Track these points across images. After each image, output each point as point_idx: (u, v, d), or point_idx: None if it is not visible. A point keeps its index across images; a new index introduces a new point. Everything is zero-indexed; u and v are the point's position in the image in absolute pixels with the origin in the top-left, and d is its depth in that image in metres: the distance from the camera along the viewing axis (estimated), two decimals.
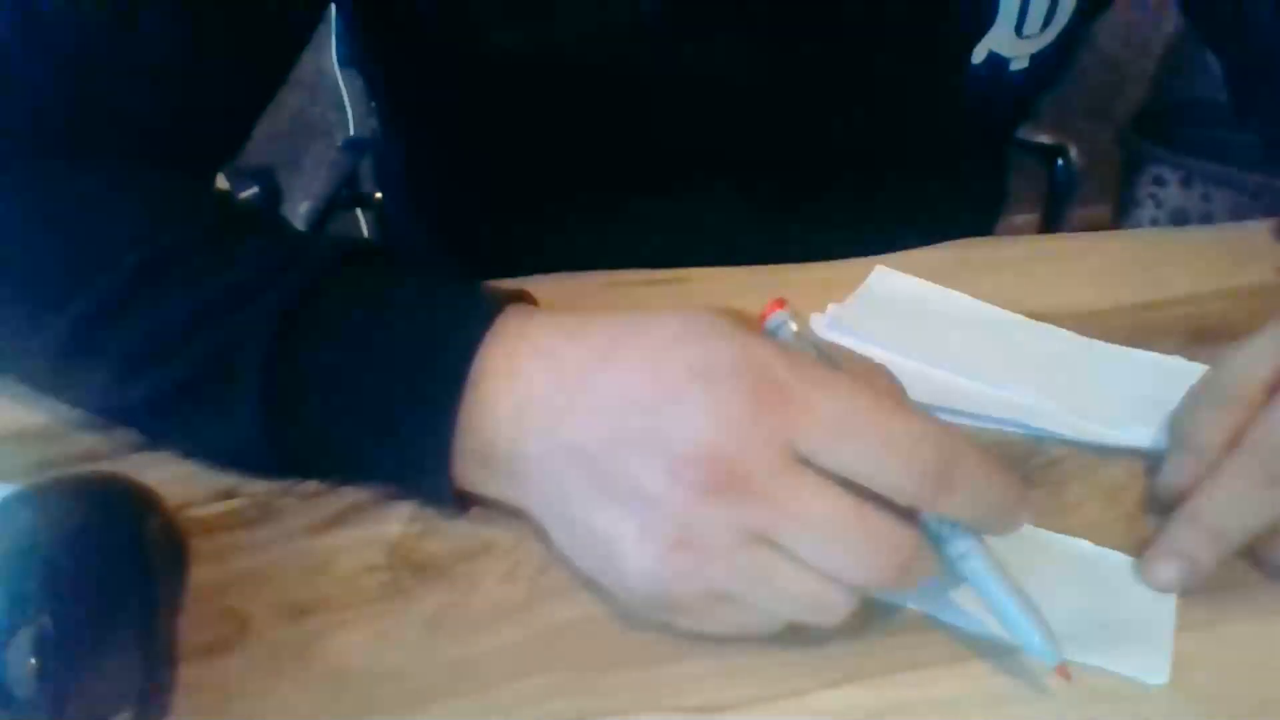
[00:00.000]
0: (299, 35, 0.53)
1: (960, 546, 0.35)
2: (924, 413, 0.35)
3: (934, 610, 0.38)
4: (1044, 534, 0.41)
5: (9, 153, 0.45)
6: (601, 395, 0.36)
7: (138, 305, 0.40)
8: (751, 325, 0.38)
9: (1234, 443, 0.40)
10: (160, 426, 0.43)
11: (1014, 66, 0.58)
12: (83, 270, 0.41)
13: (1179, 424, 0.43)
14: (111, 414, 0.44)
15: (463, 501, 0.40)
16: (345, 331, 0.39)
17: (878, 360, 0.39)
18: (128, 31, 0.46)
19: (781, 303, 0.39)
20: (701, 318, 0.37)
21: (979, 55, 0.56)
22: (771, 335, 0.38)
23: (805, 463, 0.34)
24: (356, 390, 0.39)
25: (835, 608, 0.34)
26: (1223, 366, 0.43)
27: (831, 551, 0.33)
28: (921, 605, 0.38)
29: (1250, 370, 0.41)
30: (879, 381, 0.38)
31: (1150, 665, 0.36)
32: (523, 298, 0.42)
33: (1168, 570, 0.39)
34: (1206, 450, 0.41)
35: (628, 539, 0.35)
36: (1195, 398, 0.43)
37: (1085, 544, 0.40)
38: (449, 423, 0.38)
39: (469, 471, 0.39)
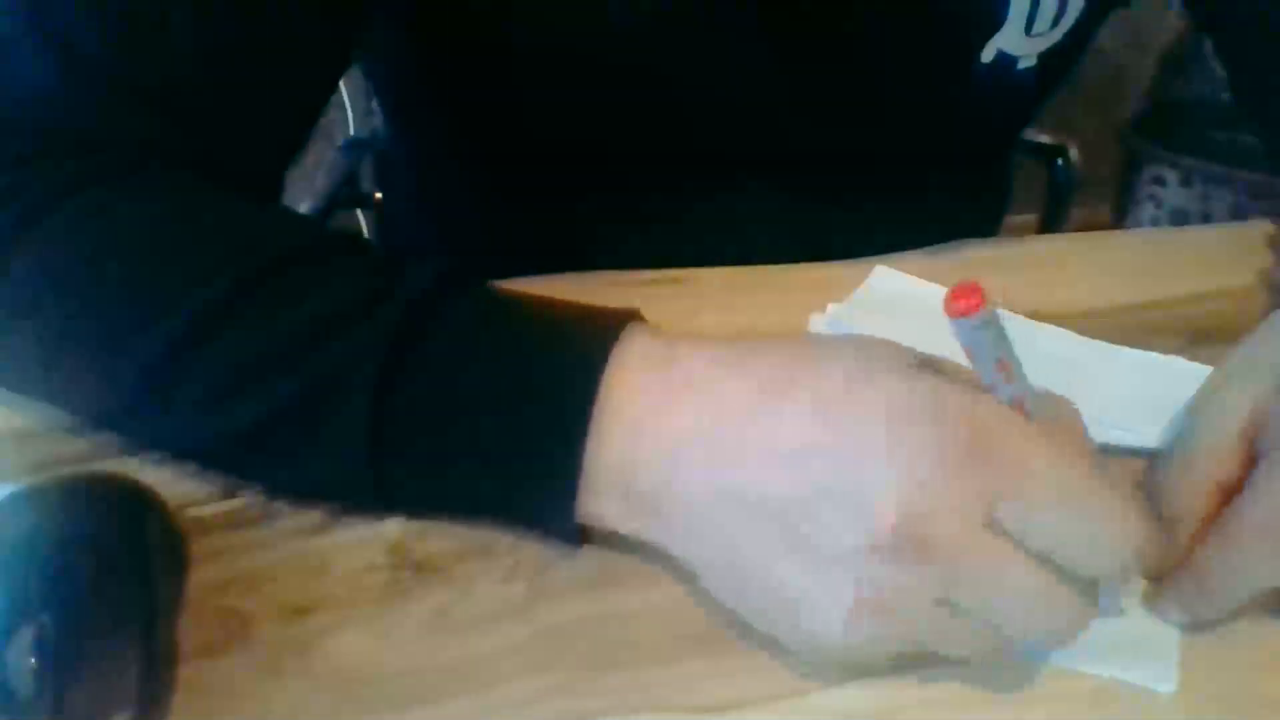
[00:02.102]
0: (352, 34, 0.51)
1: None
2: (1117, 480, 0.33)
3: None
4: None
5: (95, 167, 0.43)
6: (777, 440, 0.34)
7: (233, 327, 0.38)
8: (925, 361, 0.35)
9: (1214, 502, 0.39)
10: (253, 459, 0.40)
11: (1022, 65, 0.57)
12: (171, 292, 0.39)
13: (1155, 490, 0.41)
14: (197, 448, 0.41)
15: (583, 536, 0.38)
16: (459, 356, 0.37)
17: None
18: (206, 32, 0.44)
19: (979, 294, 0.31)
20: (876, 352, 0.35)
21: (988, 54, 0.56)
22: (963, 327, 0.32)
23: (997, 524, 0.32)
24: (472, 421, 0.37)
25: (997, 655, 0.34)
26: (1190, 429, 0.41)
27: (1019, 619, 0.33)
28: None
29: (1217, 433, 0.40)
30: (1065, 419, 0.35)
31: (1158, 674, 0.36)
32: (638, 316, 0.39)
33: (1175, 615, 0.38)
34: (1184, 520, 0.39)
35: (814, 597, 0.33)
36: (1168, 464, 0.41)
37: None
38: (577, 455, 0.36)
39: (599, 506, 0.37)
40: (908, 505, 0.32)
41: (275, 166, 0.51)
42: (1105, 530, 0.32)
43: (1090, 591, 0.33)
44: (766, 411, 0.35)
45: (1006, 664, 0.36)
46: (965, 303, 0.31)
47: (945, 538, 0.32)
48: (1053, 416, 0.35)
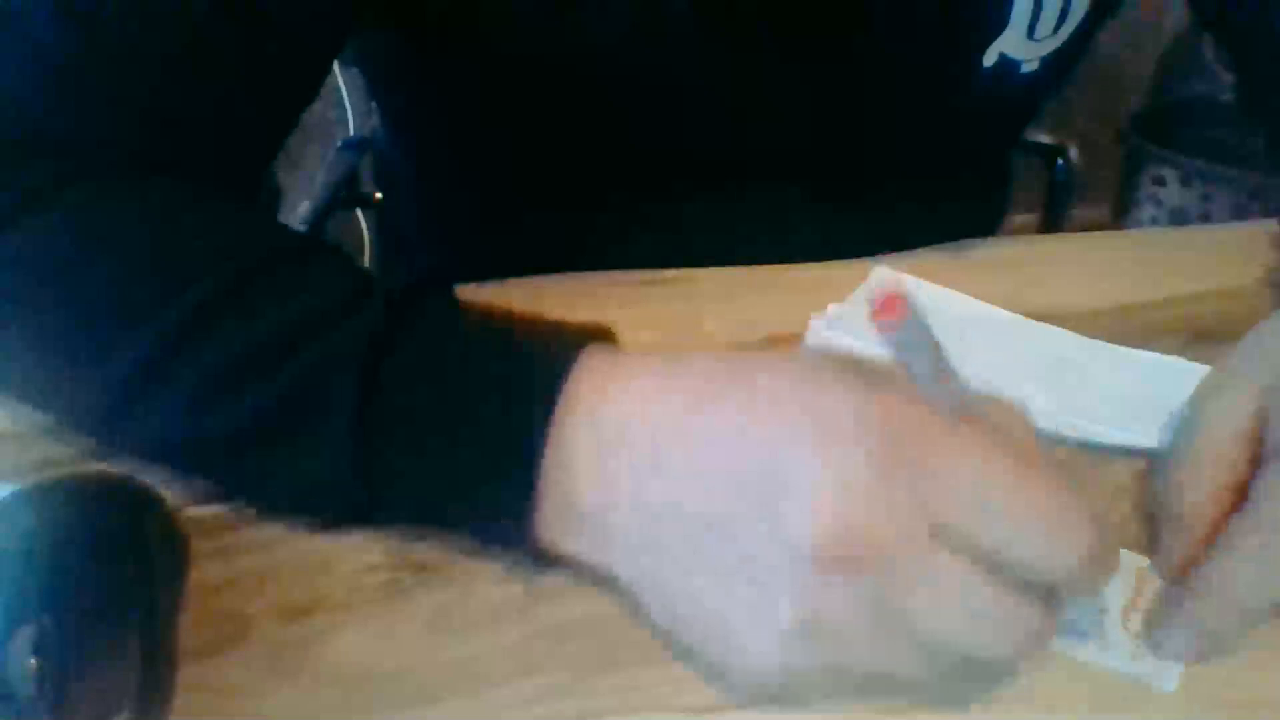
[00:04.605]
0: (334, 44, 0.51)
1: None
2: (1067, 482, 0.32)
3: None
4: None
5: (70, 172, 0.43)
6: (704, 452, 0.33)
7: (214, 332, 0.38)
8: (861, 369, 0.34)
9: (1223, 500, 0.38)
10: (232, 464, 0.40)
11: (1024, 69, 0.58)
12: (152, 296, 0.39)
13: (1161, 489, 0.40)
14: (178, 453, 0.41)
15: (547, 558, 0.37)
16: (428, 366, 0.37)
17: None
18: (176, 37, 0.44)
19: (903, 303, 0.30)
20: (812, 362, 0.34)
21: (990, 58, 0.56)
22: (891, 338, 0.32)
23: (942, 533, 0.31)
24: (436, 433, 0.36)
25: (950, 680, 0.32)
26: (1194, 426, 0.41)
27: (963, 631, 0.31)
28: None
29: (1222, 430, 0.39)
30: (1015, 425, 0.34)
31: (1161, 672, 0.36)
32: (605, 334, 0.39)
33: (1186, 643, 0.36)
34: (1193, 519, 0.38)
35: (747, 621, 0.32)
36: (1173, 462, 0.40)
37: None
38: (531, 476, 0.35)
39: (549, 528, 0.36)
40: (843, 516, 0.30)
41: (251, 170, 0.51)
42: (1052, 531, 0.31)
43: (1049, 605, 0.32)
44: (693, 426, 0.34)
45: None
46: (890, 314, 0.30)
47: (884, 548, 0.30)
48: (997, 421, 0.34)
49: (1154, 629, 0.37)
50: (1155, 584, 0.39)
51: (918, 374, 0.32)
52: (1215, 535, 0.38)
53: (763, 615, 0.32)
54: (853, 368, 0.34)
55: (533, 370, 0.36)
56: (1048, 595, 0.32)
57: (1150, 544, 0.40)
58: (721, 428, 0.33)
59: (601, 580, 0.37)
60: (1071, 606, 0.36)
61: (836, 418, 0.32)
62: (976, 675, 0.33)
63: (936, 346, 0.32)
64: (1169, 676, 0.36)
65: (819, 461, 0.31)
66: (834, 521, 0.30)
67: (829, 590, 0.31)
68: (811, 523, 0.31)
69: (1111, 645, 0.37)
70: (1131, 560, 0.39)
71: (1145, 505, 0.42)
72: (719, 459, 0.33)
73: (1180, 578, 0.38)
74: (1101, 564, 0.32)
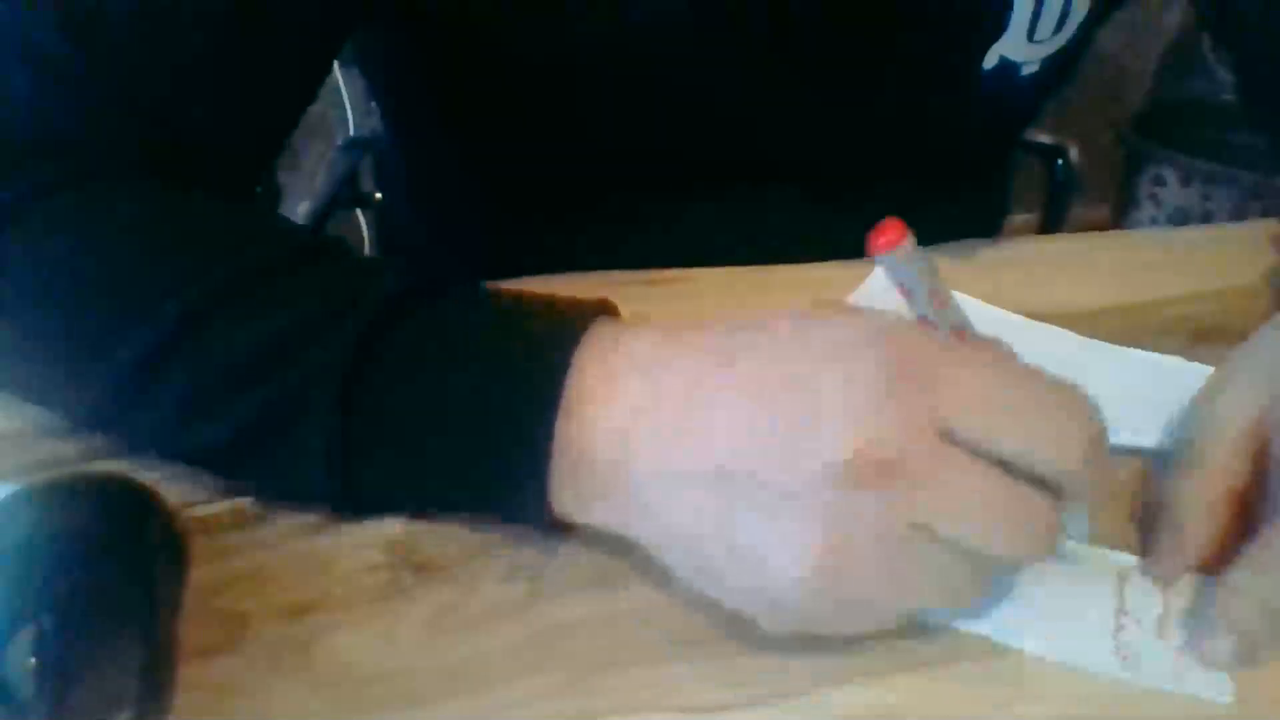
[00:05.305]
0: (335, 45, 0.52)
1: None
2: (1067, 380, 0.34)
3: (1002, 634, 0.37)
4: (1081, 548, 0.39)
5: (72, 173, 0.43)
6: (721, 407, 0.34)
7: (206, 335, 0.38)
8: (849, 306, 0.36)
9: (1228, 505, 0.39)
10: (226, 466, 0.41)
11: (1025, 71, 0.58)
12: (149, 298, 0.39)
13: (1163, 493, 0.40)
14: (172, 453, 0.41)
15: (562, 529, 0.38)
16: (424, 360, 0.37)
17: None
18: (177, 39, 0.44)
19: (901, 229, 0.32)
20: (817, 310, 0.36)
21: (990, 60, 0.56)
22: (891, 263, 0.33)
23: (952, 439, 0.32)
24: (441, 423, 0.37)
25: (975, 592, 0.34)
26: (1199, 429, 0.41)
27: (986, 530, 0.32)
28: (993, 629, 0.37)
29: (1227, 435, 0.40)
30: (1003, 349, 0.36)
31: (1213, 683, 0.35)
32: (607, 308, 0.39)
33: (1225, 647, 0.36)
34: (1202, 524, 0.39)
35: (777, 546, 0.33)
36: (1177, 467, 0.41)
37: (1122, 555, 0.40)
38: (544, 450, 0.36)
39: (568, 499, 0.37)
40: (859, 433, 0.32)
41: (252, 170, 0.51)
42: (1058, 422, 0.33)
43: (1056, 503, 0.33)
44: (709, 380, 0.35)
45: (1005, 665, 0.36)
46: (888, 238, 0.32)
47: (902, 457, 0.32)
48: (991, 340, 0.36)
49: (1197, 638, 0.36)
50: (1184, 600, 0.38)
51: (917, 298, 0.34)
52: (1223, 539, 0.38)
53: (792, 540, 0.32)
54: (847, 304, 0.36)
55: (539, 347, 0.37)
56: (1055, 493, 0.33)
57: (1143, 545, 0.40)
58: (734, 384, 0.34)
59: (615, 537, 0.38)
60: (1121, 630, 0.37)
61: (843, 341, 0.34)
62: (989, 583, 0.34)
63: (934, 272, 0.33)
64: (1222, 689, 0.35)
65: (832, 388, 0.33)
66: (854, 438, 0.32)
67: (856, 504, 0.32)
68: (832, 444, 0.32)
69: (1158, 665, 0.36)
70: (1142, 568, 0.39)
71: (1142, 508, 0.42)
72: (743, 407, 0.34)
73: (1214, 582, 0.37)
74: (1104, 458, 0.33)
